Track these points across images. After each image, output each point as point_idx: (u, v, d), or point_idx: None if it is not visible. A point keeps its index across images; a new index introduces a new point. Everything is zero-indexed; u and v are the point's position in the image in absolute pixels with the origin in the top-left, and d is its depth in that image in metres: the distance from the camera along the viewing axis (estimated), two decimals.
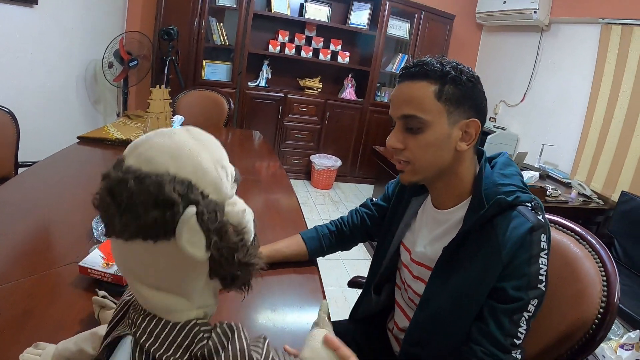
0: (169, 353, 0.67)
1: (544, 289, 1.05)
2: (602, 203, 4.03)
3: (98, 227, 1.52)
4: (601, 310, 1.19)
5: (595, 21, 4.50)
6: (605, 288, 1.22)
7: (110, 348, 0.73)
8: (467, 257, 1.13)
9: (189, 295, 0.71)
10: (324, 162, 5.62)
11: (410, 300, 1.39)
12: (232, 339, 0.72)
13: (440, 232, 1.26)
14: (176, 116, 2.95)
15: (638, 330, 2.61)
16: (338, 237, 1.67)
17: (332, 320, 1.56)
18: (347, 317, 1.74)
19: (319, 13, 5.59)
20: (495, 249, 1.06)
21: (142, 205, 0.60)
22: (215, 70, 5.33)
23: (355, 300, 1.69)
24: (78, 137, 2.76)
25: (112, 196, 0.62)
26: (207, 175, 0.66)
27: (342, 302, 3.18)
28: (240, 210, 0.71)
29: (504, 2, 5.40)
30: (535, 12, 4.93)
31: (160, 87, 2.26)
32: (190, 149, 0.66)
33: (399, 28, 5.88)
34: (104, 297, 1.11)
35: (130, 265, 0.70)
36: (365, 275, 1.72)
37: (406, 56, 5.91)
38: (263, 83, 5.60)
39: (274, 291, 1.40)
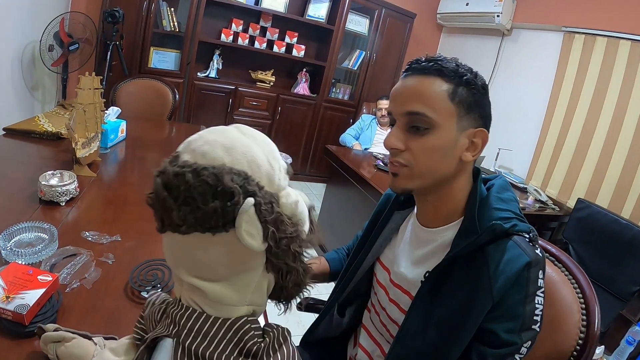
0: (219, 350, 0.67)
1: (538, 329, 0.98)
2: (558, 209, 4.04)
3: (6, 246, 1.30)
4: (580, 340, 1.13)
5: (558, 29, 4.53)
6: (584, 316, 1.15)
7: (149, 350, 0.75)
8: (453, 287, 1.03)
9: (242, 290, 0.71)
10: None
11: (382, 325, 1.29)
12: (286, 343, 0.72)
13: (425, 254, 1.16)
14: (111, 107, 2.69)
15: (603, 346, 2.56)
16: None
17: None
18: (297, 344, 1.59)
19: (275, 3, 5.39)
20: (485, 283, 0.96)
21: (200, 196, 0.62)
22: (163, 58, 5.05)
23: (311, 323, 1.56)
24: (4, 129, 2.49)
25: (169, 190, 0.63)
26: (261, 168, 0.67)
27: (295, 325, 2.92)
28: (294, 202, 0.71)
29: (467, 4, 5.39)
30: (497, 16, 4.93)
31: (90, 75, 2.01)
32: (242, 143, 0.68)
33: (358, 23, 5.77)
34: (56, 330, 0.96)
35: (183, 259, 0.70)
36: (318, 298, 1.67)
37: (364, 52, 5.81)
38: (213, 74, 5.38)
39: None
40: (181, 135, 3.25)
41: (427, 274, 1.09)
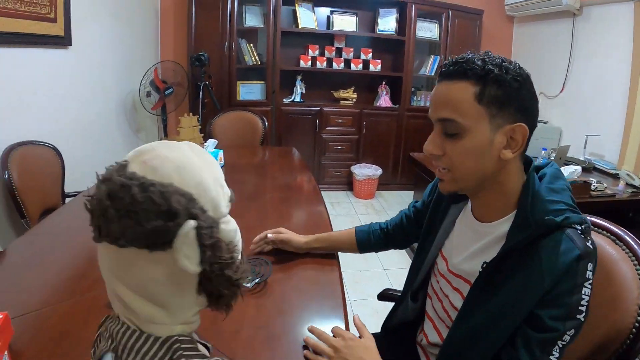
0: None
1: (582, 319, 0.98)
2: None
3: None
4: (639, 317, 1.11)
5: None
6: None
7: None
8: (508, 277, 1.05)
9: (173, 309, 0.71)
10: (365, 171, 5.63)
11: (444, 311, 1.33)
12: None
13: (481, 246, 1.18)
14: (209, 140, 3.02)
15: None
16: (385, 235, 1.71)
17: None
18: (379, 330, 1.74)
19: (345, 23, 5.63)
20: (538, 274, 0.99)
21: (144, 213, 0.60)
22: (250, 90, 5.43)
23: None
24: None
25: (112, 200, 0.61)
26: (208, 192, 0.68)
27: (385, 313, 3.10)
28: (233, 229, 0.73)
29: None
30: None
31: (188, 115, 2.33)
32: (193, 164, 0.68)
33: (427, 30, 5.85)
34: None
35: (118, 271, 0.69)
36: (399, 288, 1.74)
37: (438, 57, 5.87)
38: (298, 98, 5.66)
39: (293, 307, 1.42)
40: (274, 158, 3.51)
41: (485, 265, 1.12)
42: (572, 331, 0.98)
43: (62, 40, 3.32)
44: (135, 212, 0.60)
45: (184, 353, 0.69)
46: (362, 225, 1.76)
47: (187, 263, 0.64)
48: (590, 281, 0.98)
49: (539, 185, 1.08)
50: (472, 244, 1.21)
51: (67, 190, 2.99)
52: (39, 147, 2.86)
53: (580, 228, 1.00)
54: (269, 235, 1.72)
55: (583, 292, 0.97)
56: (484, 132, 1.02)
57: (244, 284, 0.80)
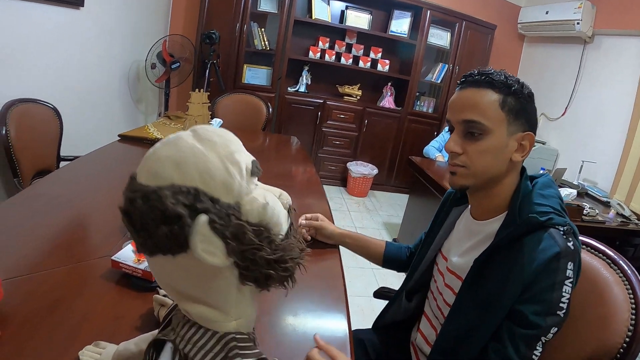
0: None
1: (563, 315, 1.06)
2: None
3: None
4: (627, 338, 1.17)
5: (639, 34, 4.39)
6: (634, 316, 1.18)
7: (156, 348, 0.73)
8: (494, 272, 1.14)
9: (222, 307, 0.69)
10: (360, 169, 5.62)
11: (437, 309, 1.40)
12: None
13: (474, 243, 1.28)
14: (214, 119, 2.99)
15: None
16: (410, 255, 1.75)
17: (355, 327, 1.55)
18: (370, 326, 1.77)
19: (359, 20, 5.60)
20: (519, 268, 1.07)
21: (152, 222, 0.59)
22: (256, 75, 5.40)
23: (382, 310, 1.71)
24: (119, 135, 2.83)
25: (128, 217, 0.62)
26: (215, 178, 0.62)
27: (370, 311, 3.12)
28: (260, 206, 0.65)
29: (547, 13, 5.34)
30: (577, 24, 4.83)
31: (199, 91, 2.30)
32: (195, 153, 0.62)
33: (439, 37, 5.85)
34: (164, 295, 1.15)
35: (164, 278, 0.70)
36: (392, 287, 1.80)
37: (446, 66, 5.87)
38: (302, 89, 5.64)
39: (296, 296, 1.38)
40: (276, 145, 3.49)
41: (475, 260, 1.19)
42: (555, 329, 1.06)
43: (75, 0, 3.27)
44: (147, 223, 0.60)
45: (240, 352, 0.68)
46: (393, 243, 1.81)
47: (213, 259, 0.61)
48: (571, 279, 1.06)
49: (530, 190, 1.21)
50: (467, 241, 1.32)
51: (62, 153, 2.94)
52: (40, 106, 2.81)
53: (563, 229, 1.10)
54: (302, 221, 1.75)
55: (564, 290, 1.05)
56: (502, 135, 1.15)
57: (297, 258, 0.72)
